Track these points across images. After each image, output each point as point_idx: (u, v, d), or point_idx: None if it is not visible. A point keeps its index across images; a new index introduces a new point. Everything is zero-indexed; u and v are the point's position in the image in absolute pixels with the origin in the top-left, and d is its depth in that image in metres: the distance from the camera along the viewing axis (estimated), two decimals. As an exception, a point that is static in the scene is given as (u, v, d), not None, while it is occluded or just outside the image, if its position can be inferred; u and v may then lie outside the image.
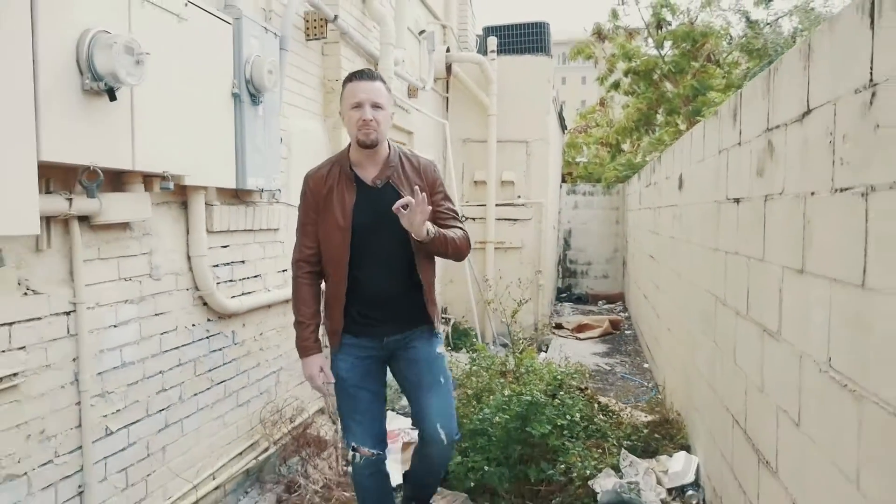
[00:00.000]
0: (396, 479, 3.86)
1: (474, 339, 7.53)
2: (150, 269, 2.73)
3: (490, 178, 8.14)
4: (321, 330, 2.71)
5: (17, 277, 2.11)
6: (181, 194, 2.92)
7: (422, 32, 6.92)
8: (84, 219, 2.34)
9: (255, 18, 3.33)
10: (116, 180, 2.50)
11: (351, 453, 2.64)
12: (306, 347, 2.62)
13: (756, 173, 2.53)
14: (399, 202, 2.36)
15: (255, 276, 3.59)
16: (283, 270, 3.88)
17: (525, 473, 3.47)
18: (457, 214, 2.72)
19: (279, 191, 3.62)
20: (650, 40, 13.25)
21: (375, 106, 2.48)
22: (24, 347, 2.12)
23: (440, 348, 2.71)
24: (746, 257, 2.66)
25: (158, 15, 2.50)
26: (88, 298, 2.36)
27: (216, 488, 3.21)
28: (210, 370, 3.18)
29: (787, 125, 2.16)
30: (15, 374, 2.08)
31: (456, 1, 8.29)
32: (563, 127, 12.81)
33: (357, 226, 2.51)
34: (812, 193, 1.91)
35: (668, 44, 12.99)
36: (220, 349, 3.26)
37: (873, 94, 1.54)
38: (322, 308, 2.69)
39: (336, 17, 4.15)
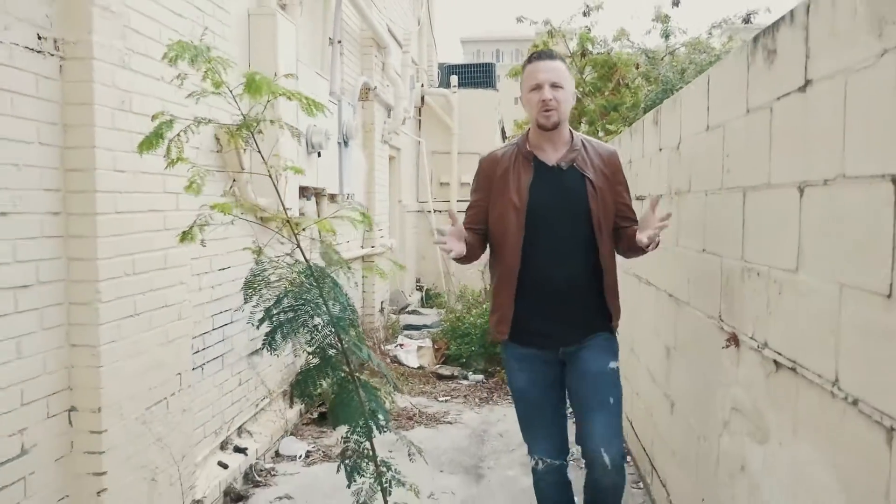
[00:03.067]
0: (412, 361, 6.56)
1: (443, 300, 10.27)
2: (309, 233, 5.34)
3: (452, 181, 10.89)
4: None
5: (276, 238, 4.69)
6: (317, 196, 5.52)
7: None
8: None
9: (342, 97, 5.95)
10: (303, 191, 5.11)
11: (534, 462, 2.63)
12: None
13: (608, 189, 5.33)
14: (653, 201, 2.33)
15: (338, 243, 6.21)
16: (348, 241, 6.49)
17: (493, 352, 6.24)
18: (633, 211, 2.66)
19: (353, 194, 6.25)
20: (574, 66, 16.23)
21: (555, 86, 2.38)
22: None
23: (614, 362, 2.52)
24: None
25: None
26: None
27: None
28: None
29: (651, 156, 4.95)
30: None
31: (426, 46, 10.98)
32: (504, 137, 15.67)
33: (533, 206, 2.41)
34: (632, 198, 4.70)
35: (588, 68, 15.99)
36: (327, 282, 5.89)
37: (679, 145, 4.32)
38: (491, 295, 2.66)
39: (375, 87, 6.80)
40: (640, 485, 3.83)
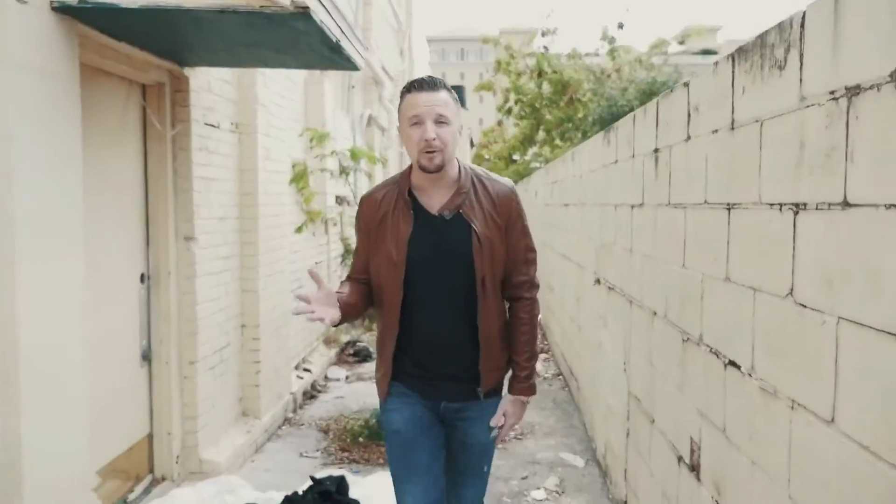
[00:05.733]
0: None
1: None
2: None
3: (430, 185, 12.98)
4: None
5: (313, 229, 6.71)
6: (343, 202, 7.53)
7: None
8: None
9: (356, 127, 7.96)
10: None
11: None
12: None
13: (550, 195, 7.45)
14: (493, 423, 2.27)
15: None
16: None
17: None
18: (533, 255, 2.32)
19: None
20: (533, 82, 18.42)
21: (440, 121, 2.05)
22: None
23: (495, 432, 2.31)
24: (551, 224, 7.59)
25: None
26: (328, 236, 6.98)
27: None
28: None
29: (557, 182, 7.08)
30: (319, 262, 6.71)
31: (407, 70, 13.00)
32: (472, 145, 17.78)
33: (412, 262, 2.12)
34: (563, 205, 6.83)
35: (545, 84, 18.19)
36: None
37: (582, 175, 6.46)
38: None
39: (376, 116, 8.83)
40: (566, 389, 5.95)
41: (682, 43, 19.50)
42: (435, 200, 2.18)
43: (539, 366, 6.64)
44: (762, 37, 1.83)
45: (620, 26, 18.10)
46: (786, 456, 1.65)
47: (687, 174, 2.48)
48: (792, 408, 1.62)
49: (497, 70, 18.96)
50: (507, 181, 2.30)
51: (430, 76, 2.14)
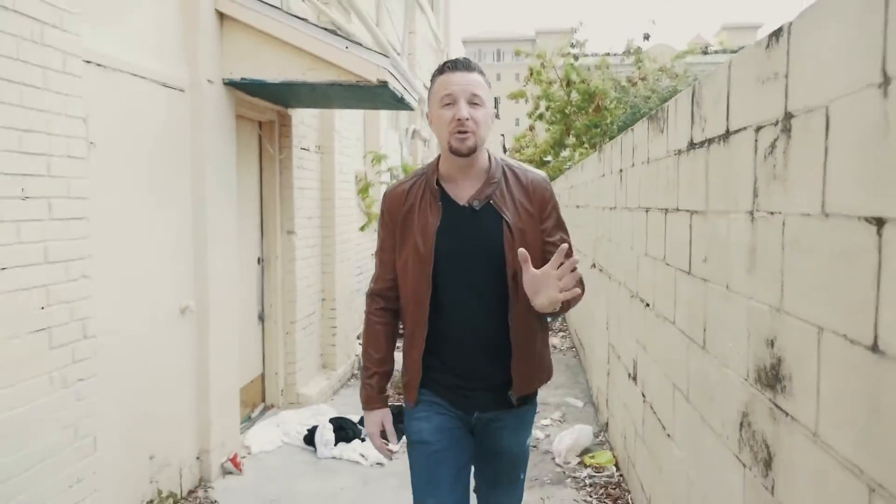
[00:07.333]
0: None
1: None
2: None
3: (466, 188, 14.39)
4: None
5: (374, 228, 8.13)
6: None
7: (433, 111, 13.03)
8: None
9: (402, 141, 9.37)
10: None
11: None
12: (368, 398, 2.16)
13: (568, 198, 8.76)
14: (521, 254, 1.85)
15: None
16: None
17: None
18: (569, 248, 1.98)
19: (408, 202, 9.72)
20: (562, 90, 19.69)
21: (473, 102, 1.95)
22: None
23: (531, 437, 2.25)
24: (569, 223, 8.88)
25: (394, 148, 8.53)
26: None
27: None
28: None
29: (573, 186, 8.38)
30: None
31: (445, 85, 14.45)
32: (505, 150, 19.10)
33: (441, 255, 2.01)
34: (576, 206, 8.14)
35: (574, 93, 19.46)
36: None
37: (586, 184, 7.77)
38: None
39: (419, 130, 10.24)
40: (577, 357, 7.26)
41: (704, 52, 20.49)
42: (464, 191, 2.06)
43: (556, 340, 7.96)
44: (658, 111, 3.15)
45: (646, 37, 19.24)
46: (663, 351, 2.97)
47: (632, 188, 3.79)
48: (663, 321, 2.94)
49: (528, 79, 20.30)
50: (540, 172, 2.21)
51: (464, 57, 2.06)
